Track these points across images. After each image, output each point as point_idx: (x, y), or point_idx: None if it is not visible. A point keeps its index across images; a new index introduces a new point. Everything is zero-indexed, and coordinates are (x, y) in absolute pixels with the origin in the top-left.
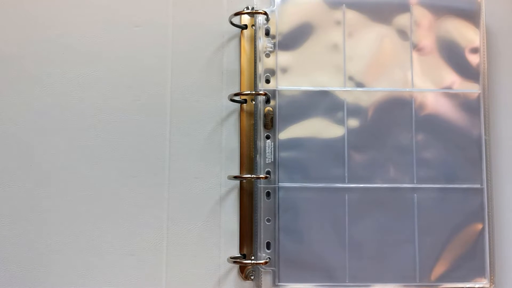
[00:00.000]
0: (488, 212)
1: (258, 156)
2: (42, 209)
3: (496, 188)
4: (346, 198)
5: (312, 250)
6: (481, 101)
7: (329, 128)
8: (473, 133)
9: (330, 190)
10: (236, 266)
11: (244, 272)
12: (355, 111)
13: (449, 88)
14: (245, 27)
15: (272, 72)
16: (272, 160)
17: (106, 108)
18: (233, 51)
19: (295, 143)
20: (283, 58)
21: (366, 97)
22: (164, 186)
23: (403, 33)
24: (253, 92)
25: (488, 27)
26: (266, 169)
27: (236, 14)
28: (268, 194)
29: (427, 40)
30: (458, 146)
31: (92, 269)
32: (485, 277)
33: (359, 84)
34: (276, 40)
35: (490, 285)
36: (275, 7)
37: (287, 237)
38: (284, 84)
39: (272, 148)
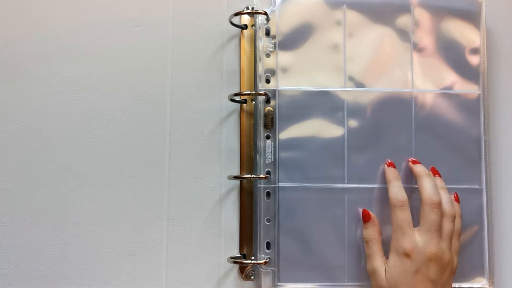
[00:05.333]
0: (487, 212)
1: (258, 156)
2: (42, 209)
3: (495, 189)
4: (346, 198)
5: (311, 250)
6: (481, 102)
7: (329, 128)
8: (472, 133)
9: (330, 190)
10: (236, 266)
11: (244, 272)
12: (355, 111)
13: (449, 88)
14: (245, 27)
15: (272, 72)
16: (272, 160)
17: (106, 108)
18: (233, 51)
19: (295, 143)
20: (283, 58)
21: (366, 98)
22: (164, 186)
23: (403, 34)
24: (253, 92)
25: (488, 27)
26: (266, 169)
27: (236, 14)
28: (268, 194)
29: (427, 40)
30: (458, 146)
31: (92, 269)
32: (484, 277)
33: (359, 85)
34: (276, 40)
35: (489, 285)
36: (275, 7)
37: (287, 237)
38: (284, 84)
39: (272, 148)
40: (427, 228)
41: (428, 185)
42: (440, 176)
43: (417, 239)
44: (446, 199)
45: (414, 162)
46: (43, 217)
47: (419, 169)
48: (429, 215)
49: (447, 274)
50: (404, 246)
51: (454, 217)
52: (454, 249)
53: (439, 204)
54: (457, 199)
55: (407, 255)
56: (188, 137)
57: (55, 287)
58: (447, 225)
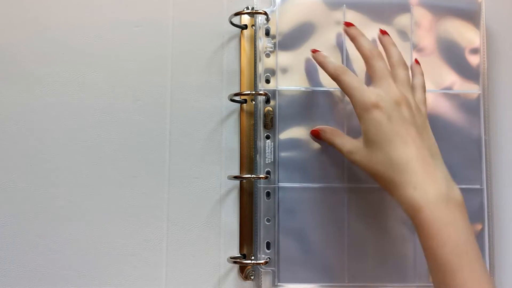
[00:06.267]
0: (487, 212)
1: (258, 156)
2: (42, 209)
3: (495, 189)
4: (346, 198)
5: (312, 250)
6: (481, 102)
7: None
8: (473, 133)
9: (330, 190)
10: (236, 266)
11: (244, 272)
12: None
13: (449, 88)
14: (245, 27)
15: (272, 72)
16: (272, 160)
17: (106, 108)
18: (233, 51)
19: (295, 143)
20: (283, 58)
21: None
22: (164, 186)
23: (403, 34)
24: (253, 92)
25: (488, 27)
26: (266, 169)
27: (236, 14)
28: (268, 194)
29: (427, 40)
30: (458, 146)
31: (92, 269)
32: None
33: None
34: (276, 40)
35: None
36: (275, 7)
37: (287, 237)
38: (284, 84)
39: (272, 148)
40: (379, 77)
41: (365, 42)
42: (388, 34)
43: (377, 91)
44: (395, 52)
45: (348, 25)
46: (43, 217)
47: (353, 31)
48: (374, 65)
49: (421, 119)
50: (370, 99)
51: (404, 65)
52: (418, 99)
53: (379, 54)
54: (417, 62)
55: (375, 106)
56: (188, 137)
57: (55, 287)
58: (399, 73)
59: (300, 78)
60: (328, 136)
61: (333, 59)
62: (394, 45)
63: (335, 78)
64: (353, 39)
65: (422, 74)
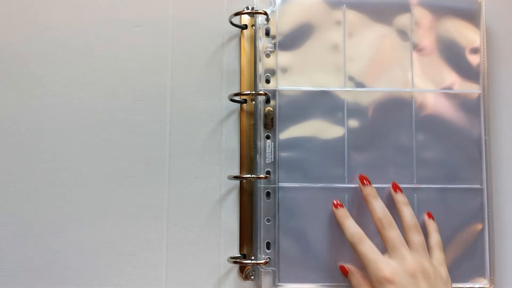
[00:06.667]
0: (488, 212)
1: (258, 156)
2: (42, 209)
3: (496, 188)
4: (346, 198)
5: (312, 250)
6: (481, 101)
7: (329, 128)
8: (473, 133)
9: (330, 190)
10: (236, 266)
11: (244, 272)
12: (355, 111)
13: (449, 88)
14: (245, 27)
15: (272, 72)
16: (272, 160)
17: (106, 108)
18: (233, 51)
19: (295, 143)
20: (283, 58)
21: (366, 97)
22: (164, 186)
23: (403, 33)
24: (253, 92)
25: (488, 27)
26: (266, 169)
27: (236, 14)
28: (268, 194)
29: (427, 40)
30: (458, 146)
31: (92, 269)
32: (485, 277)
33: (359, 84)
34: (276, 40)
35: (490, 285)
36: (275, 7)
37: (287, 237)
38: (284, 84)
39: (272, 148)
40: (393, 248)
41: (378, 208)
42: (401, 191)
43: (392, 263)
44: (407, 214)
45: (363, 183)
46: (43, 217)
47: (368, 191)
48: (387, 236)
49: (441, 285)
50: (384, 274)
51: (418, 228)
52: (436, 260)
53: (391, 222)
54: (430, 215)
55: (389, 281)
56: (188, 137)
57: (55, 287)
58: (413, 238)
59: (300, 78)
60: (355, 282)
61: (352, 222)
62: (407, 204)
63: (352, 245)
64: (366, 201)
65: (437, 231)
